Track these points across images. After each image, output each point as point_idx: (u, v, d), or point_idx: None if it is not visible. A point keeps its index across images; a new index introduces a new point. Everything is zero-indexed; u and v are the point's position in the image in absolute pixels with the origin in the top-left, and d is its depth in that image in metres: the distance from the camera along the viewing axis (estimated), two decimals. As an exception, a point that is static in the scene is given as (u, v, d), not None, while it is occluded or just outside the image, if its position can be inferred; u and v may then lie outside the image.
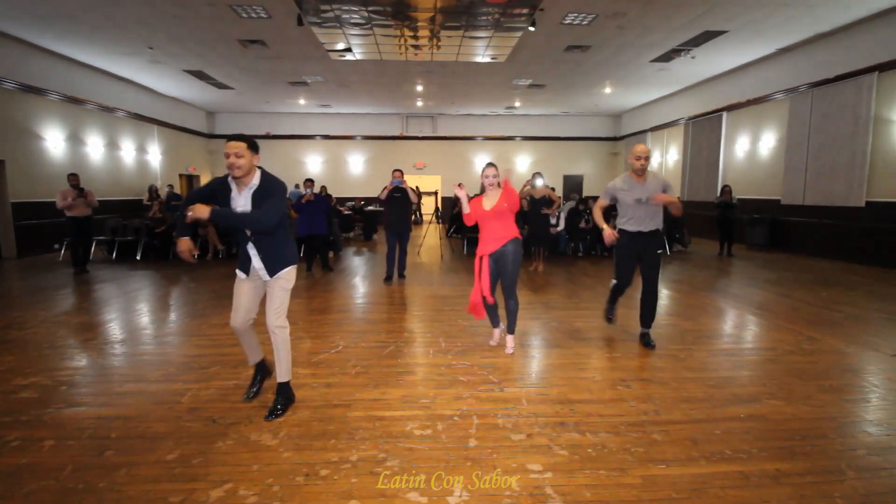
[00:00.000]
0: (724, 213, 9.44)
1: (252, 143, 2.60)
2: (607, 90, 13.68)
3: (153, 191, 11.78)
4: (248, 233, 2.64)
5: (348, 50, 10.02)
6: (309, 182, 7.83)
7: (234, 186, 2.64)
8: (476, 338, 4.21)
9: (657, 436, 2.52)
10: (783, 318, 4.88)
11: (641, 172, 3.72)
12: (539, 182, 7.70)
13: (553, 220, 8.80)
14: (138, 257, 9.07)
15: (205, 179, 17.08)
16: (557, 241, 9.35)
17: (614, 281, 4.03)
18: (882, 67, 7.94)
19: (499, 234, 3.70)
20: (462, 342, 4.09)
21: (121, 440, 2.45)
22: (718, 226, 9.60)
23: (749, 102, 11.12)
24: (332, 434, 2.53)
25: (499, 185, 3.78)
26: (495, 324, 4.01)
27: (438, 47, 9.80)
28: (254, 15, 8.05)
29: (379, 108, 16.86)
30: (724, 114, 11.96)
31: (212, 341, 4.12)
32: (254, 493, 2.02)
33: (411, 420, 2.69)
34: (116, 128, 12.13)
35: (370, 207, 14.10)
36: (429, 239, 12.18)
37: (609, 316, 4.25)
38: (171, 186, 13.13)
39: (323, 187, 13.48)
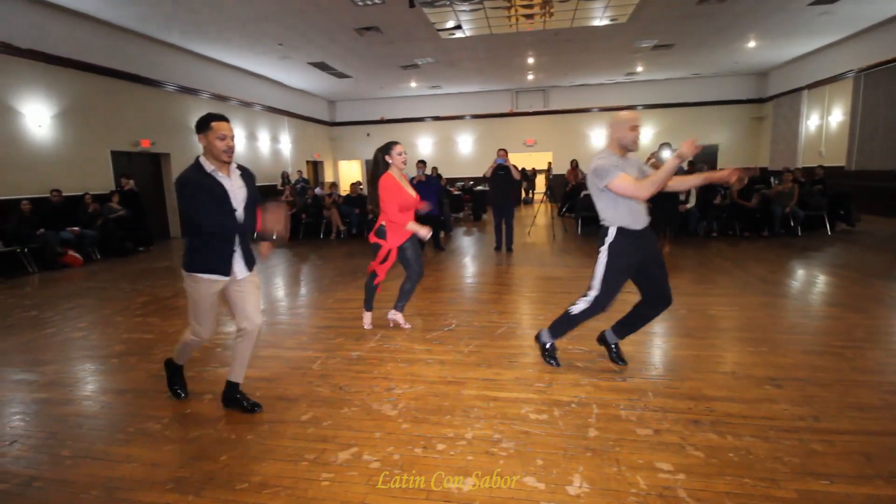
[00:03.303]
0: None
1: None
2: (751, 45, 11.92)
3: (285, 177, 13.09)
4: (237, 233, 2.48)
5: (458, 27, 10.00)
6: (421, 163, 8.06)
7: (219, 176, 2.37)
8: (592, 322, 3.99)
9: (817, 446, 2.17)
10: None
11: (635, 147, 2.78)
12: (666, 153, 7.02)
13: (682, 196, 7.99)
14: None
15: (328, 164, 18.55)
16: (687, 219, 8.49)
17: (589, 302, 2.87)
18: None
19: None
20: (578, 327, 3.91)
21: (263, 399, 2.77)
22: (900, 200, 7.93)
23: (952, 43, 8.90)
24: (448, 410, 2.59)
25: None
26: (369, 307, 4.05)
27: (551, 14, 9.32)
28: (369, 2, 8.39)
29: (488, 86, 16.69)
30: (913, 60, 9.74)
31: (336, 314, 4.48)
32: (376, 459, 2.16)
33: (526, 403, 2.65)
34: (254, 120, 13.64)
35: (479, 187, 14.13)
36: (540, 218, 11.88)
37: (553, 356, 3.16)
38: (300, 172, 14.50)
39: (434, 168, 13.81)
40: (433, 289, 5.37)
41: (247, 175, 2.53)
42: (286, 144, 15.34)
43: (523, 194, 17.65)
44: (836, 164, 11.87)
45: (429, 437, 2.34)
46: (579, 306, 2.92)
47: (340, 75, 13.94)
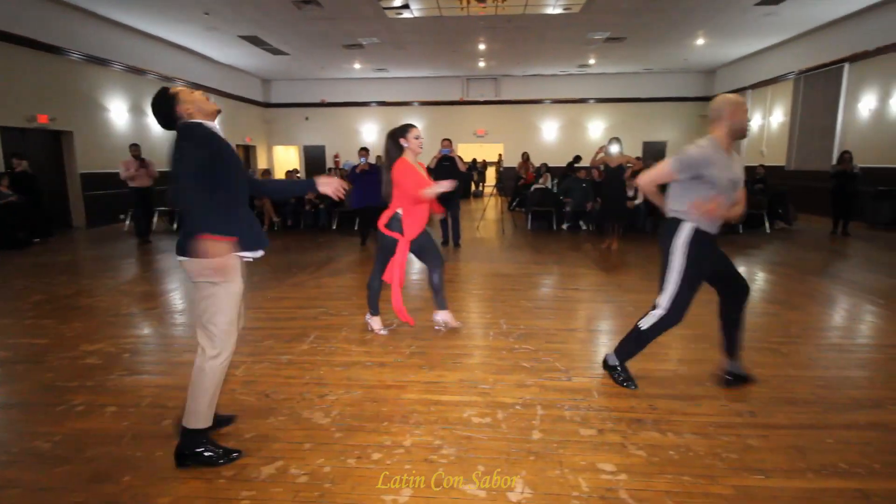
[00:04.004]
0: (840, 184, 8.50)
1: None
2: (700, 42, 12.62)
3: (211, 161, 12.45)
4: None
5: (405, 7, 9.89)
6: (364, 151, 7.91)
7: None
8: (541, 320, 4.09)
9: (754, 441, 2.31)
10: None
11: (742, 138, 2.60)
12: (615, 149, 7.28)
13: (631, 193, 8.34)
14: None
15: (261, 150, 17.85)
16: (635, 216, 8.87)
17: (661, 315, 2.73)
18: None
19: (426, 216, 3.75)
20: (525, 325, 3.99)
21: (178, 410, 2.59)
22: (833, 200, 8.67)
23: (879, 51, 9.81)
24: (386, 416, 2.55)
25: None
26: (375, 312, 3.90)
27: (504, -1, 9.43)
28: (307, -28, 8.11)
29: (437, 71, 16.66)
30: (846, 65, 10.67)
31: (267, 314, 4.30)
32: (304, 473, 2.08)
33: (469, 406, 2.66)
34: (176, 98, 12.86)
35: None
36: (489, 212, 12.02)
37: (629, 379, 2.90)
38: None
39: (378, 157, 13.62)
40: (375, 286, 5.29)
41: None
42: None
43: (473, 187, 17.80)
44: (776, 163, 12.83)
45: (364, 445, 2.29)
46: (649, 320, 2.72)
47: (276, 51, 13.43)
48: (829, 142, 11.14)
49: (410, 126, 3.69)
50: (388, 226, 3.57)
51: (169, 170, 2.08)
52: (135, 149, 7.97)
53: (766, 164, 11.94)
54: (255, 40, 12.26)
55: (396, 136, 3.64)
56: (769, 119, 13.66)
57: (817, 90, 11.65)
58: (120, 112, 10.96)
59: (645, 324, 2.74)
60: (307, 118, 17.86)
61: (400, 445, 2.29)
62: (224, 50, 13.22)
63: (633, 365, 3.18)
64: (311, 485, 2.01)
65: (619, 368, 2.90)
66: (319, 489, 1.98)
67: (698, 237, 2.57)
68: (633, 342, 2.82)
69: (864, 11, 10.05)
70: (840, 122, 10.89)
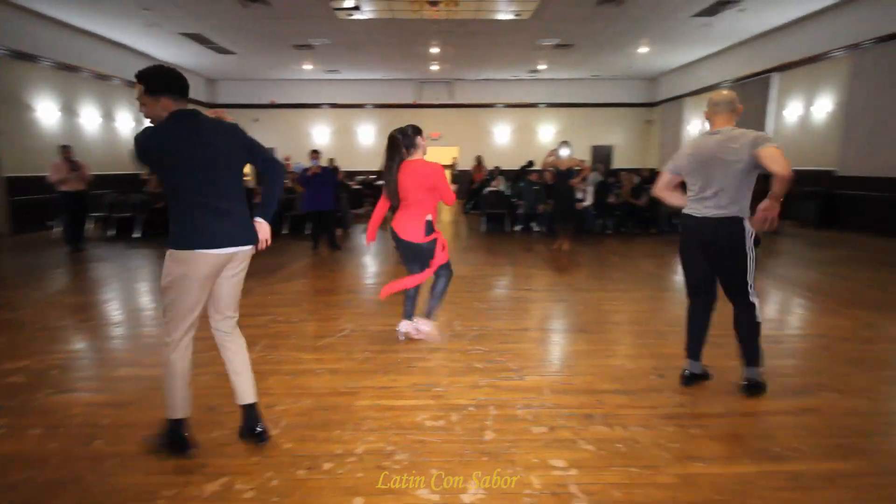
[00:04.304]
0: (766, 187, 9.06)
1: (145, 79, 2.07)
2: (643, 50, 13.17)
3: (152, 164, 11.86)
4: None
5: (356, 8, 9.78)
6: (315, 154, 7.75)
7: None
8: (494, 321, 4.12)
9: (695, 430, 2.42)
10: (836, 301, 4.67)
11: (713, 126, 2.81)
12: (564, 152, 7.48)
13: (580, 195, 8.58)
14: (137, 235, 9.18)
15: (206, 152, 17.16)
16: (584, 217, 9.14)
17: (758, 305, 2.82)
18: (962, 17, 7.41)
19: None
20: (479, 326, 4.01)
21: (112, 428, 2.45)
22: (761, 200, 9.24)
23: (803, 61, 10.57)
24: (337, 424, 2.49)
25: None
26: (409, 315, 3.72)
27: (456, 3, 9.50)
28: (253, -30, 7.88)
29: (391, 74, 16.59)
30: (774, 75, 11.42)
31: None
32: (251, 488, 2.00)
33: (423, 410, 2.64)
34: (112, 97, 12.18)
35: (380, 182, 14.00)
36: (444, 215, 12.06)
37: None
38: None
39: (331, 160, 13.39)
40: (326, 291, 5.19)
41: None
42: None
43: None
44: (714, 166, 13.54)
45: (315, 455, 2.22)
46: (758, 313, 2.76)
47: (221, 50, 12.97)
48: (761, 146, 11.86)
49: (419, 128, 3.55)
50: (427, 234, 3.44)
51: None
52: (66, 150, 7.47)
53: (705, 166, 12.58)
54: (199, 38, 11.79)
55: (416, 135, 3.48)
56: (705, 125, 14.38)
57: (749, 97, 12.39)
58: (49, 112, 10.25)
59: (759, 316, 2.77)
60: (256, 120, 17.34)
61: (352, 453, 2.24)
62: (166, 48, 12.64)
63: (584, 363, 3.26)
64: (258, 500, 1.93)
65: (759, 381, 2.78)
66: None
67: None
68: (756, 338, 2.78)
69: (791, 24, 10.78)
70: (770, 127, 11.63)
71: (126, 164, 12.50)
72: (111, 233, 9.38)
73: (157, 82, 2.09)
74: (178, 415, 2.17)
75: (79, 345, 3.73)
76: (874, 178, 8.90)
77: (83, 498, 1.95)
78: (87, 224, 8.22)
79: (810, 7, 9.80)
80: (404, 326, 3.67)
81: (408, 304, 3.70)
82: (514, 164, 13.83)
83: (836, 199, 9.70)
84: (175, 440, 2.19)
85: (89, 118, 11.40)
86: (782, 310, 4.59)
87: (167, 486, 2.00)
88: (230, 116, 2.55)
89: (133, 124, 12.86)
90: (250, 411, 2.31)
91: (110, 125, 12.15)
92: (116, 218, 9.40)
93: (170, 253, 2.09)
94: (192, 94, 12.46)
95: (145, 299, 4.97)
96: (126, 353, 3.52)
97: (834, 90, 9.96)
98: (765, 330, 3.91)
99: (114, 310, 4.59)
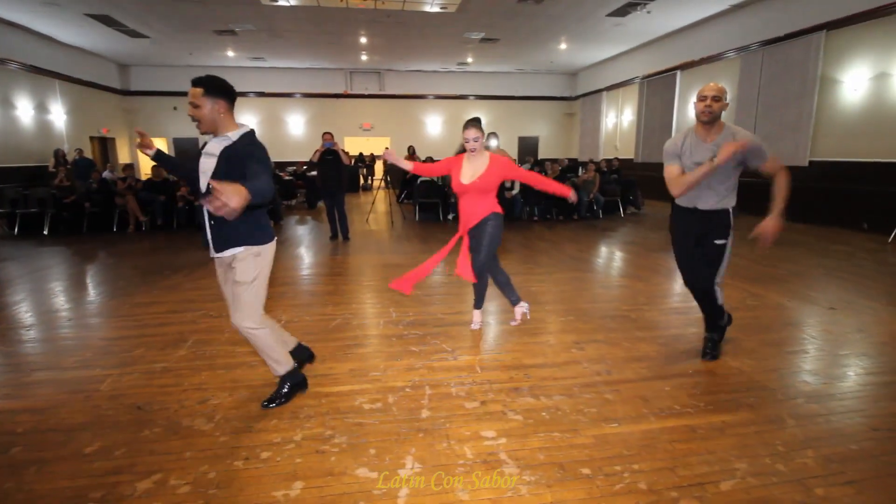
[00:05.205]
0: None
1: (211, 85, 2.22)
2: (563, 46, 13.66)
3: (59, 156, 10.82)
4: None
5: (281, -5, 9.38)
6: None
7: (207, 146, 2.32)
8: (429, 307, 4.20)
9: (609, 395, 2.63)
10: (728, 275, 5.16)
11: (709, 119, 2.70)
12: (493, 143, 7.65)
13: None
14: (45, 232, 8.37)
15: (121, 142, 15.87)
16: (513, 205, 9.43)
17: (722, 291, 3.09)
18: (830, 26, 8.33)
19: (479, 209, 3.33)
20: (414, 311, 4.07)
21: (29, 434, 2.28)
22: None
23: (702, 61, 11.44)
24: (274, 414, 2.47)
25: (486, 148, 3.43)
26: (478, 305, 3.67)
27: (383, -6, 9.36)
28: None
29: (319, 63, 16.08)
30: (678, 72, 12.27)
31: (136, 322, 3.89)
32: (186, 482, 1.95)
33: (360, 394, 2.67)
34: (9, 82, 10.90)
35: (313, 173, 13.62)
36: (378, 205, 11.97)
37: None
38: (80, 151, 12.06)
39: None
40: (260, 284, 5.02)
41: (230, 149, 2.24)
42: (59, 115, 12.61)
43: (361, 180, 17.55)
44: (627, 156, 14.39)
45: (252, 446, 2.19)
46: (720, 297, 2.99)
47: (133, 34, 11.97)
48: (667, 137, 12.69)
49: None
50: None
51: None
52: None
53: (620, 157, 13.38)
54: (106, 20, 10.79)
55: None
56: (621, 118, 15.25)
57: (657, 94, 13.26)
58: (-69, 97, 9.03)
59: (720, 298, 3.02)
60: (175, 108, 16.22)
61: (290, 441, 2.23)
62: (69, 29, 11.46)
63: (514, 341, 3.42)
64: (194, 493, 1.89)
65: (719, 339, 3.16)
66: (204, 497, 1.87)
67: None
68: (720, 315, 3.07)
69: (692, 26, 11.62)
70: (675, 120, 12.52)
71: (28, 157, 11.30)
72: (16, 231, 8.47)
73: (221, 87, 2.30)
74: (292, 364, 2.57)
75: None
76: (761, 166, 9.84)
77: (-1, 509, 1.81)
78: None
79: (707, 11, 10.60)
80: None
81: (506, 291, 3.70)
82: (446, 155, 13.95)
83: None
84: (296, 383, 2.60)
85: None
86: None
87: (95, 488, 1.91)
88: (150, 143, 2.52)
89: (33, 112, 11.60)
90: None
91: (8, 113, 10.88)
92: (21, 214, 8.49)
93: (257, 247, 2.36)
94: (102, 79, 11.60)
95: (59, 300, 4.58)
96: (39, 356, 3.24)
97: (727, 87, 10.87)
98: (672, 304, 4.31)
99: (24, 312, 4.20)
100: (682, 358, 3.11)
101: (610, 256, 6.41)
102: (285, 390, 2.56)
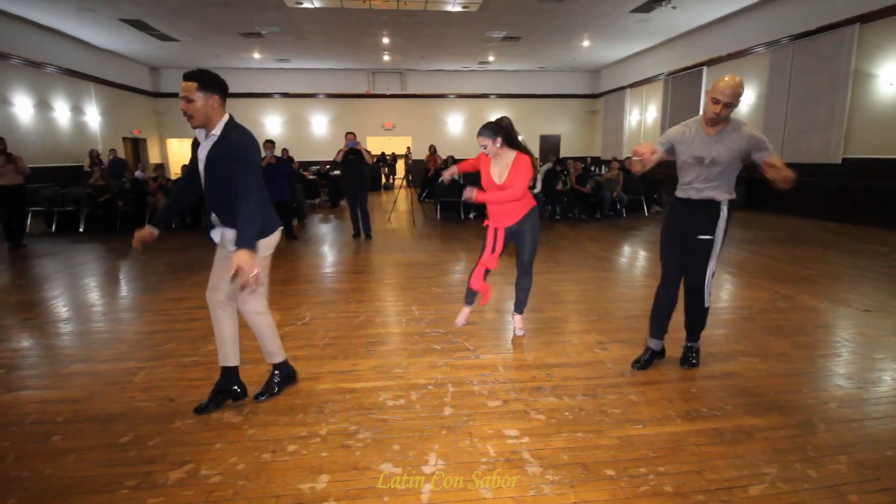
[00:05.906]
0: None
1: (204, 79, 2.20)
2: (585, 43, 13.48)
3: (94, 156, 11.18)
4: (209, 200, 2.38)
5: (305, -3, 9.50)
6: (269, 144, 7.54)
7: (201, 139, 2.34)
8: (450, 305, 4.21)
9: (633, 397, 2.59)
10: (758, 276, 5.05)
11: (715, 123, 2.61)
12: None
13: (529, 182, 8.76)
14: (81, 229, 8.66)
15: (152, 143, 16.30)
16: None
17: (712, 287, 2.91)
18: (864, 19, 8.03)
19: (516, 205, 3.32)
20: (436, 310, 4.08)
21: (68, 424, 2.37)
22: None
23: (730, 56, 11.16)
24: (300, 408, 2.51)
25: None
26: (469, 301, 3.64)
27: (405, -6, 9.40)
28: (196, -45, 7.50)
29: (342, 64, 16.23)
30: (705, 69, 11.99)
31: (167, 317, 4.00)
32: (217, 473, 1.99)
33: (384, 391, 2.69)
34: (47, 85, 11.31)
35: (336, 172, 13.76)
36: (400, 204, 12.03)
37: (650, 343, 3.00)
38: (113, 151, 12.46)
39: (284, 150, 13.05)
40: (286, 281, 5.11)
41: (217, 150, 2.26)
42: (94, 117, 13.04)
43: (383, 179, 17.66)
44: (652, 154, 14.13)
45: (278, 439, 2.24)
46: (708, 298, 2.84)
47: (164, 37, 12.28)
48: (694, 135, 12.48)
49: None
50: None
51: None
52: (-2, 142, 6.91)
53: (644, 155, 13.12)
54: (139, 24, 11.10)
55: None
56: (645, 115, 14.99)
57: (682, 90, 12.98)
58: (-24, 101, 9.44)
59: (708, 300, 2.87)
60: (204, 109, 16.57)
61: (316, 435, 2.27)
62: (104, 34, 11.83)
63: (535, 340, 3.40)
64: (224, 483, 1.93)
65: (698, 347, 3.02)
66: (233, 487, 1.91)
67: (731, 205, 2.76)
68: (704, 322, 2.94)
69: (719, 21, 11.34)
70: (701, 117, 12.23)
71: (66, 157, 11.70)
72: (53, 228, 8.79)
73: (213, 82, 2.28)
74: (285, 355, 2.68)
75: (25, 343, 3.53)
76: (790, 163, 9.53)
77: (44, 492, 1.89)
78: (27, 219, 7.67)
79: (735, 6, 10.33)
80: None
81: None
82: (467, 154, 13.94)
83: (758, 184, 10.37)
84: (287, 374, 2.69)
85: (22, 108, 10.55)
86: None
87: (130, 477, 1.97)
88: (148, 237, 2.69)
89: (69, 114, 12.01)
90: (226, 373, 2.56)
91: (46, 115, 11.29)
92: (58, 212, 8.81)
93: (270, 237, 2.42)
94: (134, 82, 11.89)
95: (94, 295, 4.74)
96: (76, 349, 3.36)
97: (755, 83, 10.58)
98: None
99: (61, 307, 4.36)
100: (709, 360, 3.04)
101: (633, 256, 6.31)
102: (277, 380, 2.66)
